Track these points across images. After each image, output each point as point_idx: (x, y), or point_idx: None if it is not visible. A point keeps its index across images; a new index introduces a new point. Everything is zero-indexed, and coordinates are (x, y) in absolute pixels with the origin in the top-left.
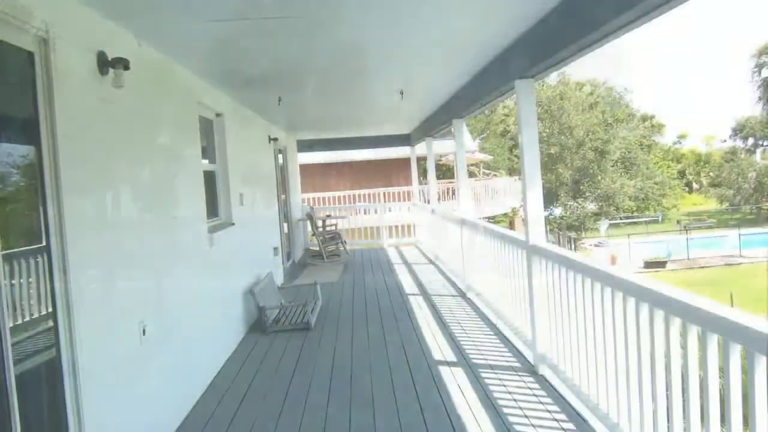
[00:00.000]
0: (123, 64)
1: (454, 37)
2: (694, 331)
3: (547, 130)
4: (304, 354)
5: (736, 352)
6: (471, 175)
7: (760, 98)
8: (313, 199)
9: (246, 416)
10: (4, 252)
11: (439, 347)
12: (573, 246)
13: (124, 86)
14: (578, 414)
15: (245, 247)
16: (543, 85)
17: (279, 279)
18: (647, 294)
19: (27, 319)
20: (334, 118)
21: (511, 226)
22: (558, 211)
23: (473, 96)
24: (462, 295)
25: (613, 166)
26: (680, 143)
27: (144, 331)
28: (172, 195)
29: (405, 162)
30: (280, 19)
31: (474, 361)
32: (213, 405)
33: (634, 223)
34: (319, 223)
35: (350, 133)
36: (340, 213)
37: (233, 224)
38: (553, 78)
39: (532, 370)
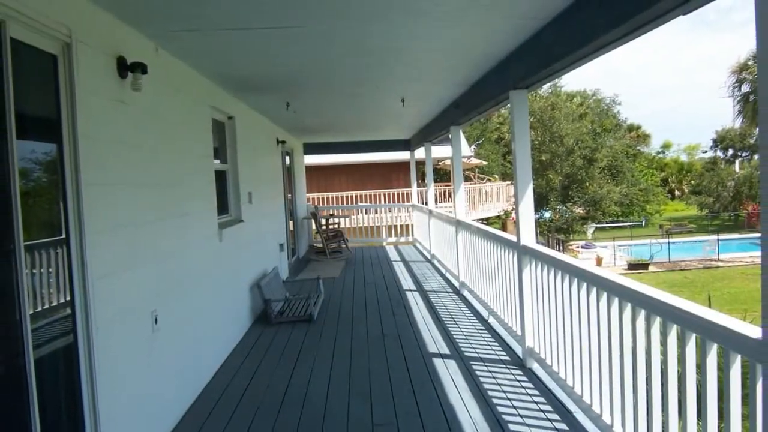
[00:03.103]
0: (141, 68)
1: (453, 48)
2: (673, 330)
3: (539, 138)
4: (306, 345)
5: (712, 351)
6: (467, 179)
7: (739, 112)
8: (317, 198)
9: (250, 404)
10: (26, 243)
11: (433, 341)
12: (561, 247)
13: (142, 89)
14: (563, 405)
15: (253, 242)
16: (536, 96)
17: (284, 273)
18: (630, 294)
19: (46, 306)
20: (339, 123)
21: (504, 228)
22: (548, 214)
23: (470, 105)
24: (456, 291)
25: (600, 173)
26: (664, 153)
27: (156, 320)
28: (185, 192)
29: (405, 165)
30: (289, 29)
31: (466, 354)
32: (219, 392)
33: (619, 227)
34: (323, 221)
35: (354, 137)
36: (342, 212)
37: (242, 221)
38: (545, 89)
39: (520, 364)
